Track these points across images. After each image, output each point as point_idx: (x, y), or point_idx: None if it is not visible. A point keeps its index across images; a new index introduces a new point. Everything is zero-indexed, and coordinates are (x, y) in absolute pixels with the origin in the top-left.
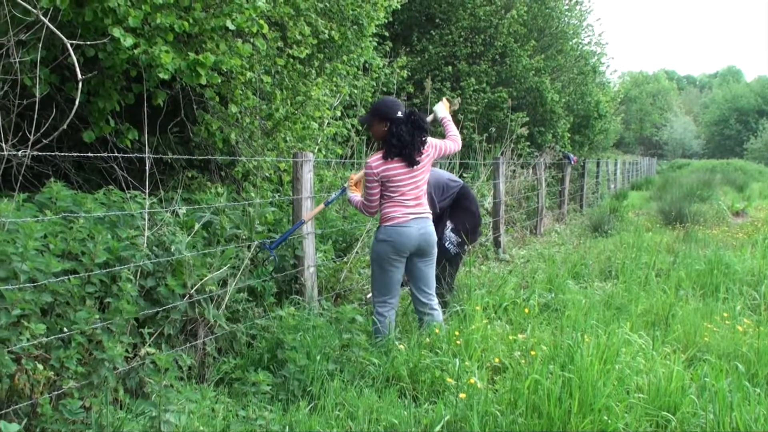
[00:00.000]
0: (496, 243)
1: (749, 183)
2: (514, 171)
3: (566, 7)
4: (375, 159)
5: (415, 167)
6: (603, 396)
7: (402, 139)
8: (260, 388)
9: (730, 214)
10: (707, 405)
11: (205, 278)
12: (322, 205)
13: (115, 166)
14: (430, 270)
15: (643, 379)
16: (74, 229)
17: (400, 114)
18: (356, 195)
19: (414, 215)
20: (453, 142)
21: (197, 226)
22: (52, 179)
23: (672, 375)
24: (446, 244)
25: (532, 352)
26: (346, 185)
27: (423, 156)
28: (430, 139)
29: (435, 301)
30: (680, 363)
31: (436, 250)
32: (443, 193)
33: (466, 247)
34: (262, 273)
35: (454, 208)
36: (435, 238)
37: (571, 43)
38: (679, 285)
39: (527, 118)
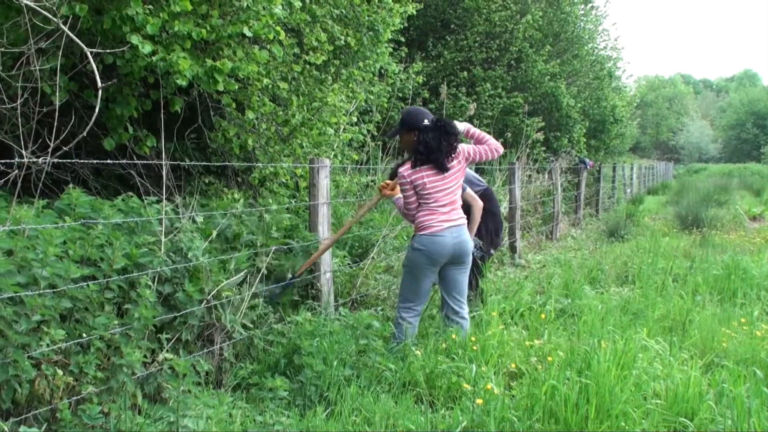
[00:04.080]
0: (512, 248)
1: (766, 187)
2: (530, 176)
3: (581, 12)
4: (405, 168)
5: (446, 173)
6: (620, 402)
7: (429, 146)
8: (277, 393)
9: (747, 219)
10: (725, 411)
11: (222, 284)
12: (333, 239)
13: (133, 173)
14: (463, 277)
15: (661, 385)
16: (93, 236)
17: (427, 122)
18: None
19: (449, 223)
20: (487, 146)
21: (214, 233)
22: (71, 186)
23: (689, 381)
24: None
25: (549, 358)
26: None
27: (453, 162)
28: (460, 146)
29: (466, 310)
30: (698, 369)
31: (470, 257)
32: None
33: (491, 251)
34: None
35: None
36: (470, 245)
37: (586, 47)
38: (696, 290)
39: (543, 123)
